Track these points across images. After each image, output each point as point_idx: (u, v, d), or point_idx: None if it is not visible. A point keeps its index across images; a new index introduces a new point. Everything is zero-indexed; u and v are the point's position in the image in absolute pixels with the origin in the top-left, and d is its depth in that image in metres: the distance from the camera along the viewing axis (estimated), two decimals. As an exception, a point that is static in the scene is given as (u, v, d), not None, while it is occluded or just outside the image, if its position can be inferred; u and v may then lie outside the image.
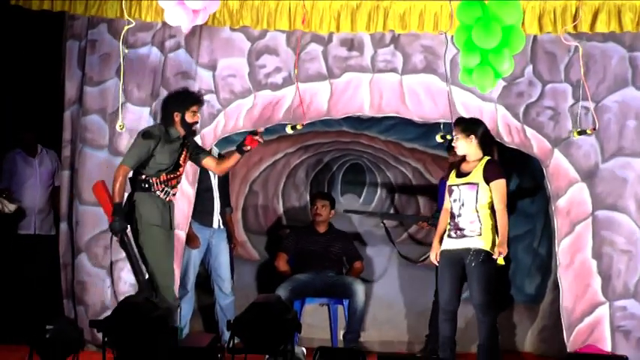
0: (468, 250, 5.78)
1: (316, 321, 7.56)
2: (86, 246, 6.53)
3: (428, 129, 7.52)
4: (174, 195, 6.06)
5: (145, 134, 5.97)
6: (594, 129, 6.20)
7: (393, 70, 6.48)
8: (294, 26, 6.41)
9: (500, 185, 5.77)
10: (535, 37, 6.35)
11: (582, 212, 6.28)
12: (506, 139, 6.45)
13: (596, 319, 6.23)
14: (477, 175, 5.80)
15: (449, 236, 5.89)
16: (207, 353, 5.25)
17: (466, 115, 6.35)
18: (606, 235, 6.26)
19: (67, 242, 6.65)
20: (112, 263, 6.32)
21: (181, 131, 6.01)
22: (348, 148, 7.97)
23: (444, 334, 5.98)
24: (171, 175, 6.01)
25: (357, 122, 7.76)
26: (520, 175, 7.67)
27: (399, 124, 7.72)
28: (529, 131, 6.39)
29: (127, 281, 6.45)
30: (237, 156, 6.12)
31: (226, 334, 6.11)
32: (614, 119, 6.30)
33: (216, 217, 7.02)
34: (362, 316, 7.14)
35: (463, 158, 5.92)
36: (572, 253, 6.30)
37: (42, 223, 7.25)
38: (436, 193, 7.69)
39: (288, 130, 6.35)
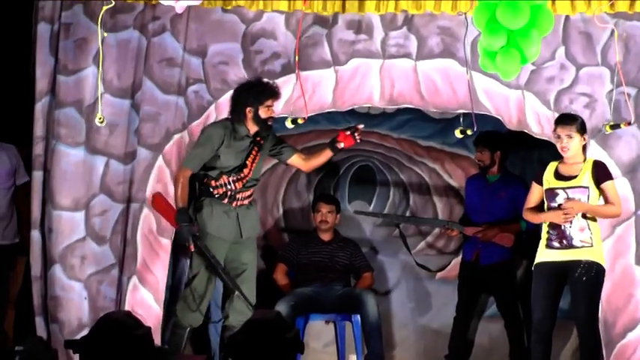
0: (577, 262, 5.73)
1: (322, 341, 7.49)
2: (61, 256, 6.36)
3: (446, 125, 7.46)
4: (246, 199, 6.07)
5: (209, 132, 5.97)
6: (630, 123, 6.03)
7: (406, 55, 6.32)
8: (294, 6, 6.28)
9: (612, 186, 5.78)
10: (567, 15, 6.18)
11: (624, 212, 6.04)
12: (535, 130, 6.28)
13: None
14: (585, 177, 5.76)
15: (549, 247, 5.82)
16: None
17: (488, 104, 6.23)
18: None
19: (39, 252, 6.46)
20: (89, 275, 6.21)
21: (252, 128, 6.01)
22: (356, 148, 7.71)
23: (537, 357, 5.90)
24: (234, 177, 6.00)
25: (367, 119, 7.64)
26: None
27: (414, 120, 7.64)
28: (561, 121, 6.18)
29: (106, 295, 6.31)
30: (328, 153, 6.20)
31: (219, 356, 6.12)
32: None
33: None
34: (380, 331, 6.94)
35: (560, 158, 5.87)
36: (613, 259, 6.09)
37: (4, 232, 7.02)
38: (456, 197, 7.65)
39: (288, 125, 6.21)
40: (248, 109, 5.96)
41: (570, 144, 5.78)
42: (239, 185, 6.01)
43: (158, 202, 6.10)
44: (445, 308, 7.34)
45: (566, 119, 5.84)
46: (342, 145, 6.11)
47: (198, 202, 6.04)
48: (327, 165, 7.70)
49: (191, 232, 5.88)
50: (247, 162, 6.04)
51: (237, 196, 6.02)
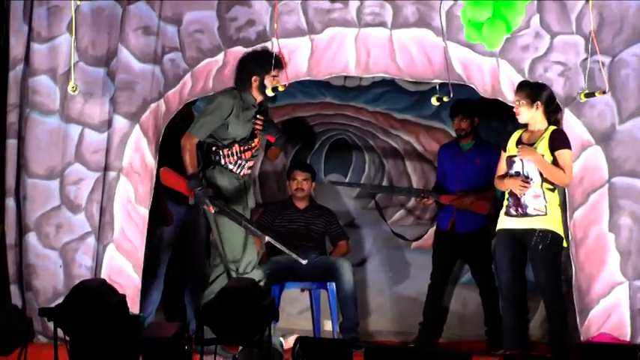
0: (532, 231, 5.74)
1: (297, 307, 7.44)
2: (36, 224, 6.30)
3: (421, 97, 7.40)
4: (249, 169, 6.07)
5: (219, 101, 5.94)
6: (604, 92, 5.93)
7: (382, 24, 6.21)
8: (269, -27, 6.20)
9: (565, 155, 5.75)
10: (542, -17, 6.12)
11: (597, 179, 6.02)
12: (510, 98, 6.16)
13: (614, 301, 5.95)
14: (542, 145, 5.75)
15: (507, 214, 5.84)
16: (172, 344, 4.96)
17: (462, 73, 6.16)
18: (625, 205, 5.98)
19: (13, 220, 6.39)
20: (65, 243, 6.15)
21: (257, 97, 6.00)
22: (332, 122, 7.78)
23: (508, 324, 5.90)
24: (245, 147, 6.00)
25: (342, 92, 7.63)
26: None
27: (389, 93, 7.59)
28: (536, 89, 6.11)
29: (82, 264, 6.23)
30: (275, 150, 6.53)
31: (194, 323, 5.95)
32: (633, 75, 6.01)
33: None
34: (355, 299, 6.88)
35: (525, 126, 5.87)
36: (586, 226, 6.04)
37: None
38: (431, 169, 7.57)
39: (269, 93, 6.08)
40: (254, 78, 5.97)
41: (520, 110, 5.81)
42: (248, 155, 6.03)
43: (166, 175, 6.10)
44: (421, 276, 7.27)
45: (519, 86, 5.87)
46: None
47: (209, 170, 6.03)
48: (303, 139, 7.72)
49: (207, 194, 5.87)
50: (256, 132, 6.07)
51: (246, 164, 6.04)
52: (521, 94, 5.80)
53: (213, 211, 5.91)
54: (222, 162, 6.00)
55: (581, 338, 5.97)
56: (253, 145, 6.07)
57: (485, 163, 6.90)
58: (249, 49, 6.10)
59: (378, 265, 7.69)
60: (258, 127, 6.08)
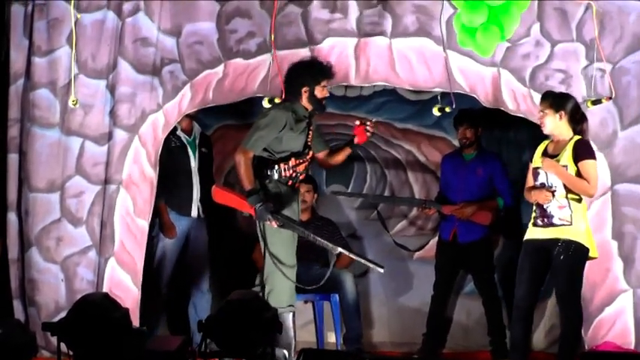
0: (556, 240, 5.66)
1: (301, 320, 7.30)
2: (37, 238, 6.30)
3: (422, 107, 7.37)
4: (301, 182, 6.01)
5: (273, 115, 5.84)
6: (610, 98, 5.95)
7: (382, 33, 6.21)
8: (269, -15, 6.18)
9: (589, 166, 5.64)
10: (543, -9, 6.12)
11: (600, 187, 5.94)
12: (511, 107, 6.19)
13: (618, 309, 5.97)
14: (565, 156, 5.67)
15: (535, 225, 5.77)
16: (176, 357, 4.99)
17: (463, 83, 6.14)
18: (628, 212, 6.00)
19: (15, 235, 6.40)
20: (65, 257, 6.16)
21: (308, 107, 5.92)
22: (333, 132, 7.73)
23: (516, 335, 5.84)
24: (300, 160, 5.92)
25: (344, 102, 7.60)
26: (527, 148, 7.33)
27: (390, 103, 7.57)
28: (537, 97, 6.04)
29: (83, 277, 6.23)
30: (348, 150, 6.15)
31: (198, 336, 5.85)
32: (634, 82, 6.01)
33: (196, 205, 6.75)
34: (358, 310, 6.87)
35: (547, 137, 5.80)
36: None
37: None
38: (433, 178, 7.56)
39: (265, 104, 6.09)
40: (304, 88, 5.88)
41: (544, 120, 5.73)
42: (302, 167, 5.98)
43: (219, 193, 6.01)
44: (423, 287, 7.24)
45: (543, 96, 5.80)
46: (356, 139, 6.08)
47: (266, 184, 5.89)
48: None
49: (268, 209, 5.72)
50: (309, 144, 6.01)
51: (299, 177, 5.98)
52: (544, 104, 5.73)
53: (276, 226, 5.79)
54: (277, 175, 5.88)
55: (586, 347, 5.97)
56: (308, 158, 6.00)
57: (488, 173, 6.90)
58: (297, 60, 6.01)
59: (380, 276, 7.55)
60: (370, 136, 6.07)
